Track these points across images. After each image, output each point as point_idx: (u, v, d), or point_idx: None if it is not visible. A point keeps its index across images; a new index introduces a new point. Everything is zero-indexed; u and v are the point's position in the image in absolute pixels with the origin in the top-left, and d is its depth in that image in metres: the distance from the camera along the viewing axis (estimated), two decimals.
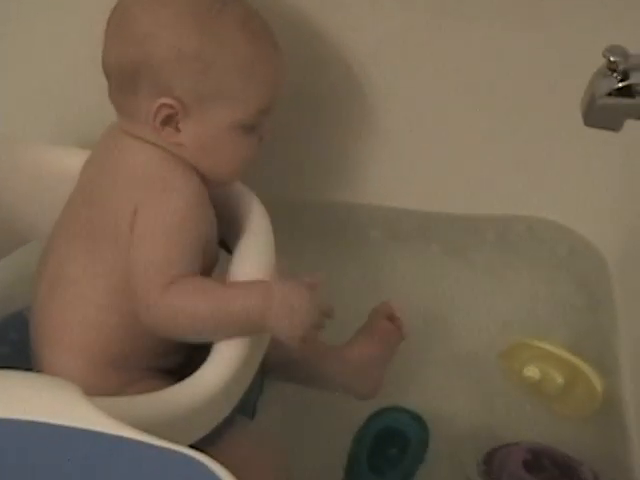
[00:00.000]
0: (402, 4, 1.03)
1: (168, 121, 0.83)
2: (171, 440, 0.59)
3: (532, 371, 1.00)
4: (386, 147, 1.16)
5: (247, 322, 0.80)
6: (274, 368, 0.94)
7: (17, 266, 0.95)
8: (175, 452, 0.58)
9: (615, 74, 0.71)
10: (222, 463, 0.57)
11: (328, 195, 1.22)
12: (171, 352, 0.87)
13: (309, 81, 1.10)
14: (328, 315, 0.85)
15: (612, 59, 0.70)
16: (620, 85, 0.71)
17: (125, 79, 0.84)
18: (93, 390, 0.74)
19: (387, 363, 1.03)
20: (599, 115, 0.73)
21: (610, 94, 0.72)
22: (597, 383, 0.99)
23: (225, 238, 0.92)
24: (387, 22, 1.05)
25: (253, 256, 0.85)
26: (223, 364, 0.78)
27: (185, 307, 0.79)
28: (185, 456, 0.58)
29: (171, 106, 0.82)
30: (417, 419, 1.02)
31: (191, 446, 0.59)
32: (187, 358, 0.88)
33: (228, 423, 0.83)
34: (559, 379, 1.00)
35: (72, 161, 0.90)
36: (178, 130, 0.84)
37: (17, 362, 0.71)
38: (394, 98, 1.11)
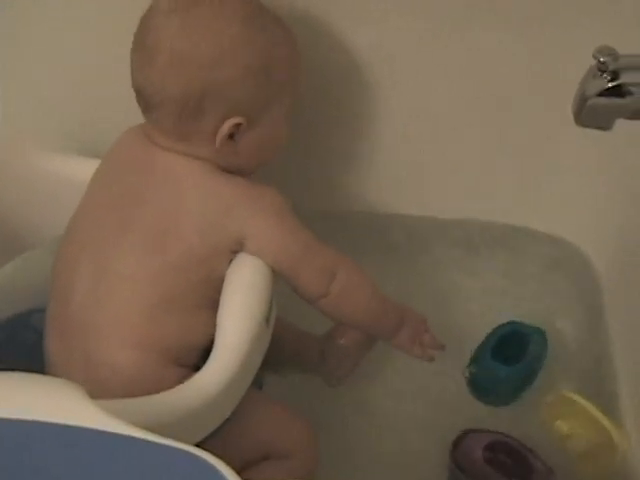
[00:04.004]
0: (406, 13, 1.03)
1: (228, 137, 0.86)
2: (175, 439, 0.60)
3: (562, 425, 1.00)
4: (384, 155, 1.17)
5: (393, 315, 0.96)
6: None
7: (22, 270, 0.96)
8: (178, 450, 0.59)
9: (605, 75, 0.72)
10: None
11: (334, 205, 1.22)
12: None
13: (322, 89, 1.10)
14: None
15: (602, 60, 0.71)
16: (610, 85, 0.72)
17: (188, 106, 0.84)
18: (151, 385, 0.79)
19: (362, 356, 1.05)
20: (590, 115, 0.74)
21: (600, 94, 0.72)
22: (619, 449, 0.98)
23: None
24: (388, 29, 1.05)
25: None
26: (223, 366, 0.80)
27: (355, 275, 0.91)
28: (188, 454, 0.59)
29: (239, 123, 0.85)
30: (539, 330, 1.09)
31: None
32: None
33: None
34: (585, 441, 0.99)
35: (78, 169, 0.92)
36: (234, 141, 0.86)
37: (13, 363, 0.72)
38: (394, 109, 1.12)
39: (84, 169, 0.92)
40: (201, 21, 0.84)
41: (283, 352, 1.00)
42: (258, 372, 0.86)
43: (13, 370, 0.65)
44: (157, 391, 0.78)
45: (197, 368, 0.84)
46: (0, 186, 0.94)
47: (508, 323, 1.10)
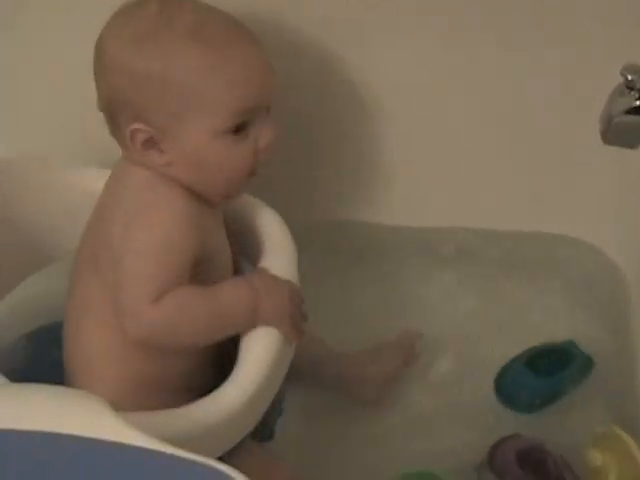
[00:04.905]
0: (414, 30, 1.05)
1: (149, 145, 0.84)
2: (197, 452, 0.60)
3: (597, 456, 0.95)
4: (395, 166, 1.18)
5: (241, 312, 0.83)
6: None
7: (45, 283, 0.97)
8: (201, 464, 0.59)
9: (632, 92, 0.72)
10: None
11: (340, 214, 1.23)
12: (198, 371, 0.88)
13: (322, 105, 1.12)
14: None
15: (629, 77, 0.71)
16: (638, 103, 0.72)
17: (107, 113, 0.86)
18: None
19: (395, 376, 1.06)
20: (617, 133, 0.74)
21: (628, 112, 0.72)
22: None
23: (248, 254, 0.93)
24: (399, 48, 1.06)
25: (276, 270, 0.87)
26: (246, 380, 0.80)
27: (181, 314, 0.81)
28: (212, 468, 0.59)
29: (143, 130, 0.83)
30: (586, 356, 1.08)
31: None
32: (217, 376, 0.88)
33: (238, 446, 0.83)
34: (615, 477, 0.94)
35: (97, 182, 0.91)
36: (161, 151, 0.84)
37: (32, 376, 0.72)
38: (407, 122, 1.13)
39: (103, 181, 0.92)
40: (113, 31, 0.85)
41: (316, 371, 1.01)
42: (280, 389, 0.86)
43: (39, 382, 0.66)
44: None
45: (189, 389, 0.86)
46: (20, 200, 0.94)
47: (565, 342, 1.10)
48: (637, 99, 0.71)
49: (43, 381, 0.66)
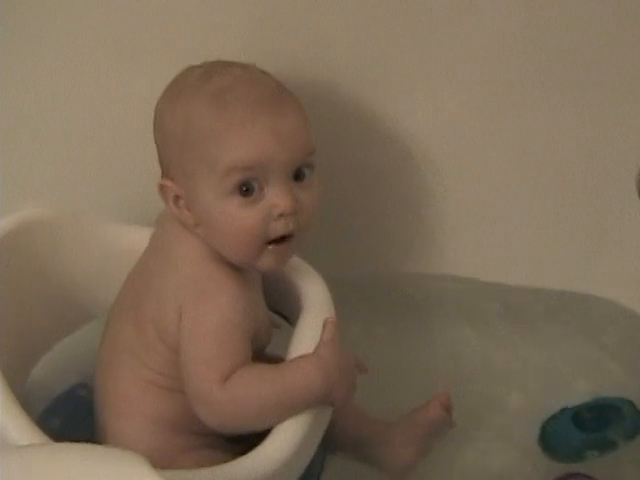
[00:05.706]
0: (454, 89, 1.07)
1: (179, 203, 0.86)
2: None
3: None
4: (436, 220, 1.19)
5: (311, 396, 0.82)
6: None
7: (83, 343, 0.97)
8: None
9: None
10: None
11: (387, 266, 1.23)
12: None
13: (368, 157, 1.13)
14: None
15: None
16: None
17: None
18: (154, 454, 0.74)
19: (428, 448, 1.02)
20: None
21: None
22: None
23: (287, 313, 0.94)
24: (441, 105, 1.08)
25: (313, 333, 0.86)
26: (286, 438, 0.79)
27: (248, 396, 0.81)
28: None
29: (169, 187, 0.85)
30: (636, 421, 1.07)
31: None
32: None
33: None
34: None
35: (138, 239, 0.92)
36: (189, 211, 0.85)
37: (70, 435, 0.73)
38: (447, 176, 1.14)
39: (142, 237, 0.92)
40: (165, 89, 0.88)
41: (346, 434, 0.98)
42: (320, 450, 0.86)
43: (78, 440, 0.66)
44: (163, 460, 0.79)
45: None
46: (54, 256, 0.95)
47: (618, 399, 1.09)
48: None
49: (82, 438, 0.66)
